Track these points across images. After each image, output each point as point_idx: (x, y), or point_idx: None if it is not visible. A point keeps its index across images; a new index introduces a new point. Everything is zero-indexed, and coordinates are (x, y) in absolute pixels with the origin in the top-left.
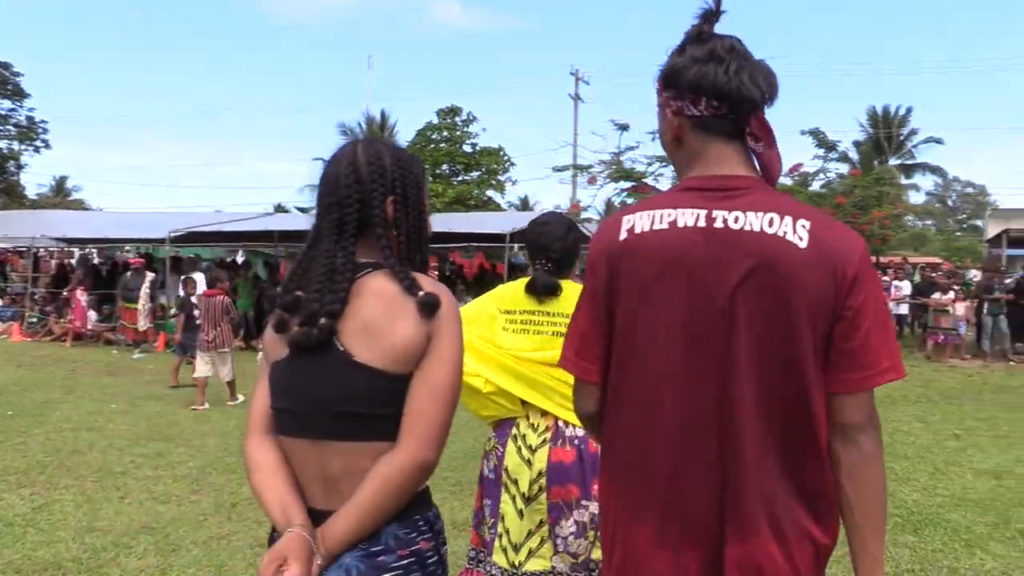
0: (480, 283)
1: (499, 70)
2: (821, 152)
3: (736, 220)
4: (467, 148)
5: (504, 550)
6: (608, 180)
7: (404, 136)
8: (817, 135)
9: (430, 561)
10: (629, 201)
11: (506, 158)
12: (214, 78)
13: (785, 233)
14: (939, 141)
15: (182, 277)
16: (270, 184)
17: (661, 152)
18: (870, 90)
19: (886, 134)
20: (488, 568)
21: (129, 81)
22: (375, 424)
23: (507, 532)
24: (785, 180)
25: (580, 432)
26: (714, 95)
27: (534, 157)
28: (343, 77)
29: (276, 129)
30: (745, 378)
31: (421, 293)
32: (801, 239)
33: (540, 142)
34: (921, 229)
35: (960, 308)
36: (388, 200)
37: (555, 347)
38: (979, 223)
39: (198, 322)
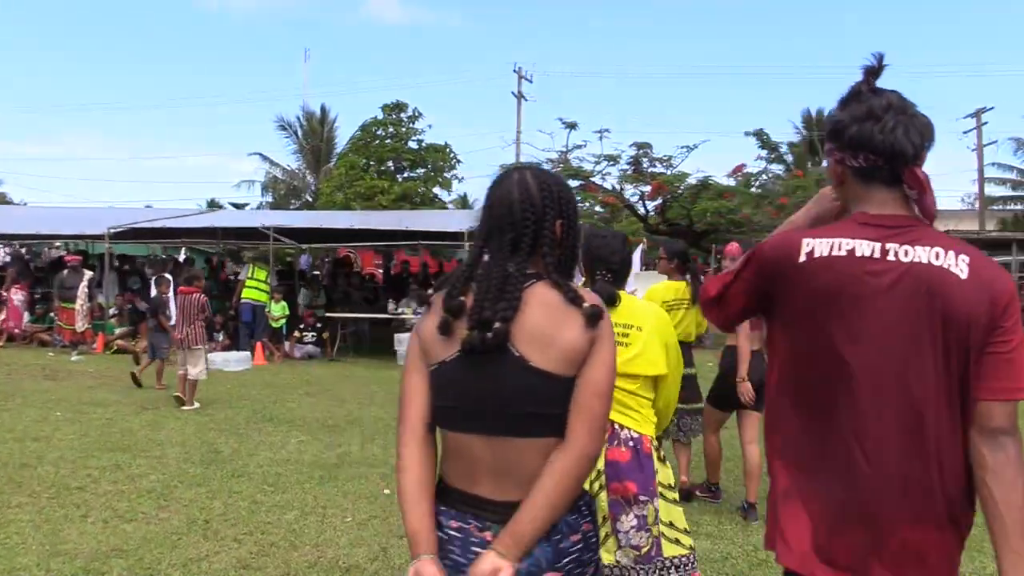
0: (429, 283)
1: (440, 66)
2: (764, 153)
3: (906, 253)
4: (413, 145)
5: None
6: None
7: (346, 131)
8: (761, 136)
9: (592, 541)
10: (576, 199)
11: (452, 155)
12: (140, 67)
13: (949, 266)
14: None
15: (154, 276)
16: (201, 179)
17: (609, 151)
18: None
19: (820, 136)
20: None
21: (49, 69)
22: (545, 422)
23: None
24: (729, 180)
25: (635, 434)
26: (871, 150)
27: (477, 155)
28: (273, 69)
29: (206, 122)
30: (921, 383)
31: (586, 305)
32: (962, 271)
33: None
34: None
35: None
36: (557, 223)
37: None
38: None
39: (172, 323)
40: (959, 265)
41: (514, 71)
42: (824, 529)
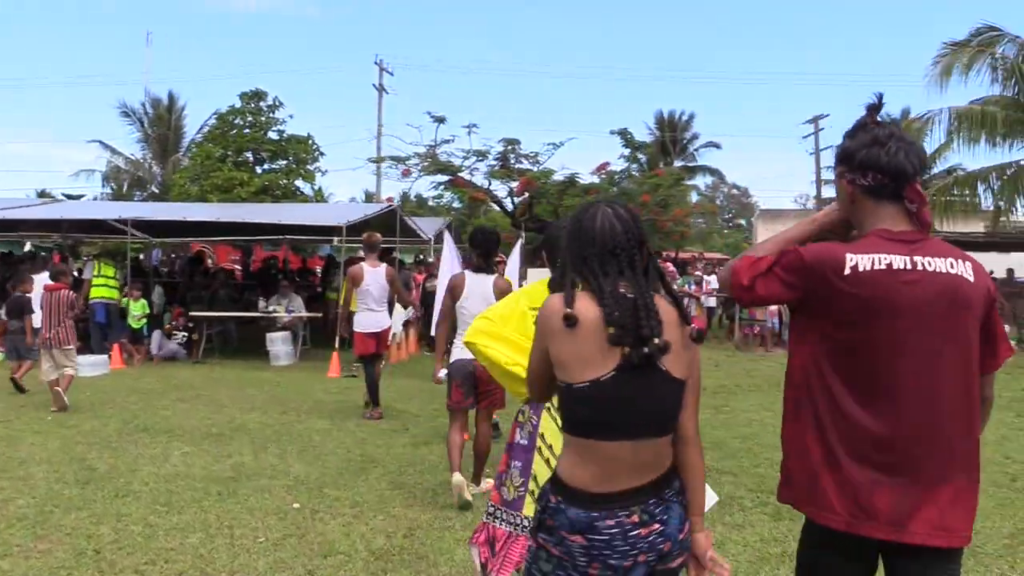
0: (296, 279)
1: (299, 57)
2: (627, 152)
3: (929, 264)
4: (273, 135)
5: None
6: (423, 173)
7: (196, 120)
8: (625, 135)
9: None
10: (446, 195)
11: (315, 147)
12: None
13: (961, 272)
14: (717, 146)
15: (12, 275)
16: (26, 167)
17: (478, 146)
18: (658, 94)
19: (671, 137)
20: (513, 520)
21: None
22: (675, 421)
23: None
24: (593, 178)
25: None
26: (878, 171)
27: (336, 147)
28: (113, 54)
29: (31, 106)
30: (949, 368)
31: (692, 326)
32: (969, 276)
33: (346, 132)
34: (709, 227)
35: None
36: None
37: None
38: (742, 222)
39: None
40: (967, 271)
41: (375, 63)
42: (866, 489)
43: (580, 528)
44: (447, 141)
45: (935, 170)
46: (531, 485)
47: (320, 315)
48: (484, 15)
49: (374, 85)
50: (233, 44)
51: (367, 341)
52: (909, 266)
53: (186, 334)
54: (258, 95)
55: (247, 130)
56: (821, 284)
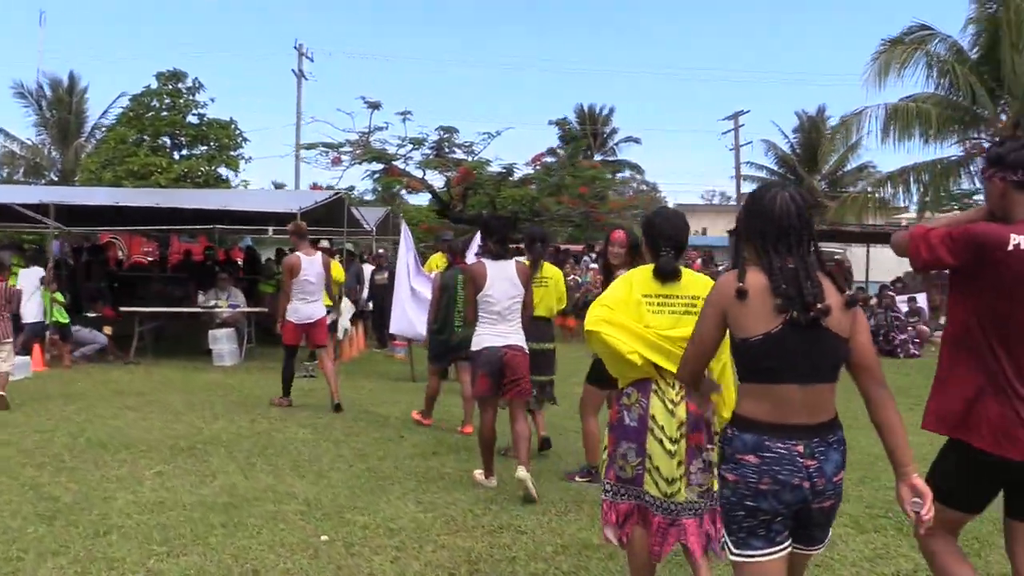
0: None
1: (215, 39)
2: (561, 143)
3: None
4: (193, 119)
5: (656, 483)
6: (355, 161)
7: (100, 102)
8: (564, 126)
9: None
10: (379, 186)
11: (238, 132)
12: None
13: None
14: (637, 141)
15: None
16: None
17: (413, 133)
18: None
19: (592, 131)
20: (639, 495)
21: None
22: (837, 371)
23: (657, 469)
24: (527, 169)
25: None
26: None
27: (262, 135)
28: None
29: None
30: None
31: (847, 292)
32: None
33: (262, 118)
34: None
35: None
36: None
37: (685, 324)
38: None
39: None
40: None
41: (295, 47)
42: (1010, 422)
43: (752, 448)
44: (380, 128)
45: (848, 167)
46: (647, 464)
47: (266, 310)
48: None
49: (293, 71)
50: (142, 24)
51: (298, 331)
52: None
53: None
54: (176, 76)
55: (165, 113)
56: (989, 257)
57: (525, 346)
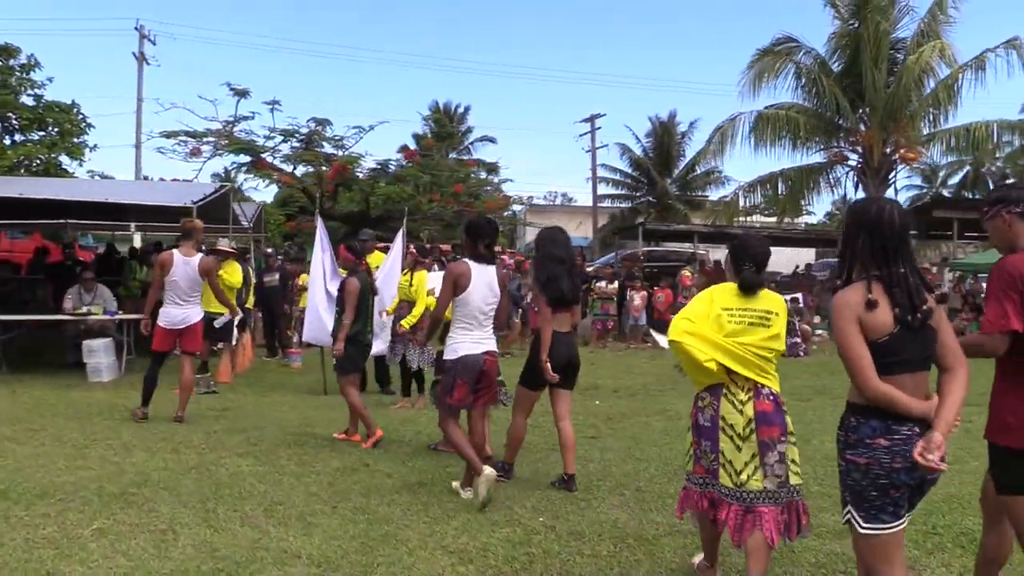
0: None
1: (53, 13)
2: (433, 139)
3: None
4: (28, 100)
5: (729, 475)
6: (219, 152)
7: None
8: (439, 119)
9: None
10: (246, 177)
11: (81, 118)
12: None
13: None
14: (492, 140)
15: None
16: None
17: (284, 125)
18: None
19: (452, 128)
20: (714, 488)
21: None
22: (932, 360)
23: (730, 463)
24: (410, 171)
25: (773, 391)
26: None
27: (107, 121)
28: None
29: None
30: None
31: (936, 292)
32: None
33: (99, 104)
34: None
35: (637, 298)
36: None
37: (757, 334)
38: (507, 213)
39: None
40: None
41: (135, 29)
42: None
43: (882, 432)
44: (247, 118)
45: (697, 171)
46: (721, 459)
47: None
48: None
49: (134, 53)
50: None
51: (168, 337)
52: None
53: None
54: (7, 51)
55: None
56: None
57: (497, 351)
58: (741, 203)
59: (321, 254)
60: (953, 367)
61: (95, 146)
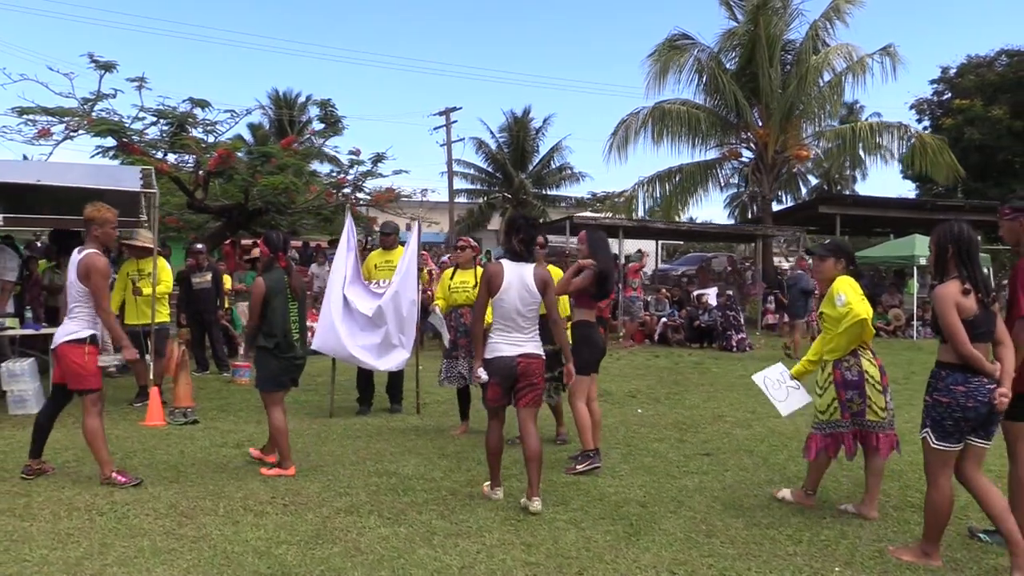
0: None
1: None
2: (322, 127)
3: None
4: None
5: (875, 412)
6: (76, 133)
7: None
8: (326, 107)
9: None
10: (116, 162)
11: None
12: None
13: None
14: (338, 132)
15: None
16: None
17: (158, 105)
18: (276, 72)
19: (288, 117)
20: (860, 426)
21: None
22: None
23: (875, 403)
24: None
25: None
26: None
27: None
28: None
29: None
30: None
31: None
32: None
33: None
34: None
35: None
36: None
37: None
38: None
39: None
40: None
41: None
42: None
43: (959, 381)
44: (108, 96)
45: (551, 166)
46: (868, 402)
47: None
48: None
49: None
50: None
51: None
52: None
53: None
54: None
55: None
56: None
57: (542, 352)
58: (640, 198)
59: (346, 253)
60: (1004, 341)
61: None
